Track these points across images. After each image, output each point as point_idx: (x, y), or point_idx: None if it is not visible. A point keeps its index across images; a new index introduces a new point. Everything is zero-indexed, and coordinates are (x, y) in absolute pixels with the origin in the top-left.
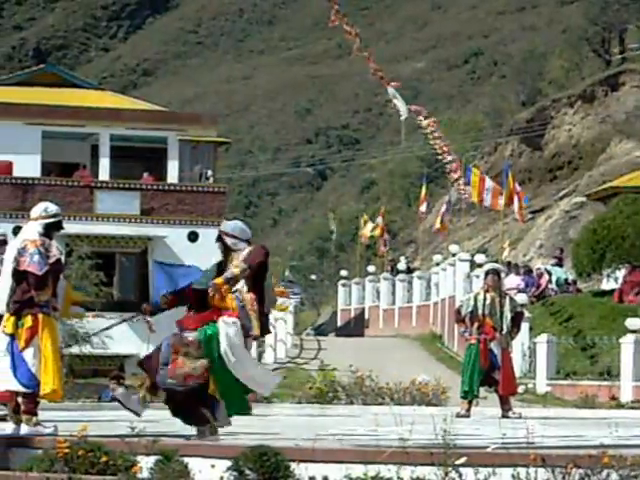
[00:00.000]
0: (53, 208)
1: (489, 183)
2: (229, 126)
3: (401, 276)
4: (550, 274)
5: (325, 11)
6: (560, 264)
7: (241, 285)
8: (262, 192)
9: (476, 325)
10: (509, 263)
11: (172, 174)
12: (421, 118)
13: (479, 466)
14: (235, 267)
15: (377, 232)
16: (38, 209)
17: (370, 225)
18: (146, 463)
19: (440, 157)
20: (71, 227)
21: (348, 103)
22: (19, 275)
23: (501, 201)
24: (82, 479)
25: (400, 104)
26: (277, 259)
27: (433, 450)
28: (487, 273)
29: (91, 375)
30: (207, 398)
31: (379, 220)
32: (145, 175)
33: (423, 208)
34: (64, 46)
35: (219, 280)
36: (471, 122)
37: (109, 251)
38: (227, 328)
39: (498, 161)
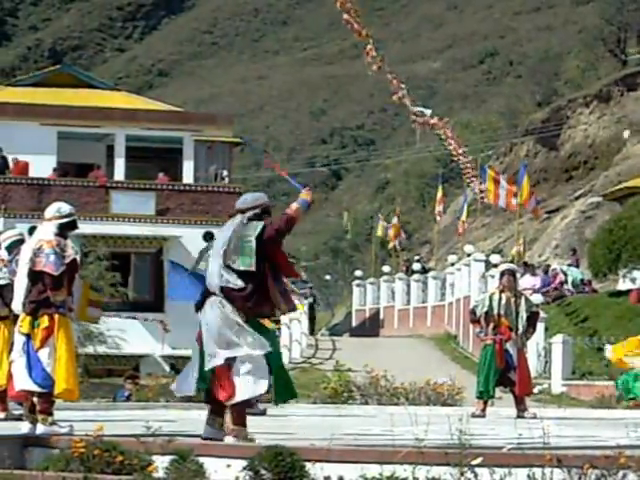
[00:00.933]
0: (66, 208)
1: (504, 183)
2: (244, 126)
3: (416, 276)
4: (566, 274)
5: (339, 11)
6: (576, 265)
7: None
8: (277, 192)
9: (492, 325)
10: (525, 263)
11: (187, 174)
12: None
13: (495, 466)
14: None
15: (392, 232)
16: (52, 209)
17: (383, 224)
18: (162, 463)
19: (455, 158)
20: (86, 227)
21: (363, 103)
22: (35, 275)
23: (515, 201)
24: (98, 479)
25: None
26: (291, 259)
27: (448, 450)
28: (502, 273)
29: (106, 375)
30: None
31: (395, 220)
32: (160, 175)
33: (440, 208)
34: (79, 47)
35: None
36: (486, 122)
37: (124, 251)
38: None
39: (514, 161)
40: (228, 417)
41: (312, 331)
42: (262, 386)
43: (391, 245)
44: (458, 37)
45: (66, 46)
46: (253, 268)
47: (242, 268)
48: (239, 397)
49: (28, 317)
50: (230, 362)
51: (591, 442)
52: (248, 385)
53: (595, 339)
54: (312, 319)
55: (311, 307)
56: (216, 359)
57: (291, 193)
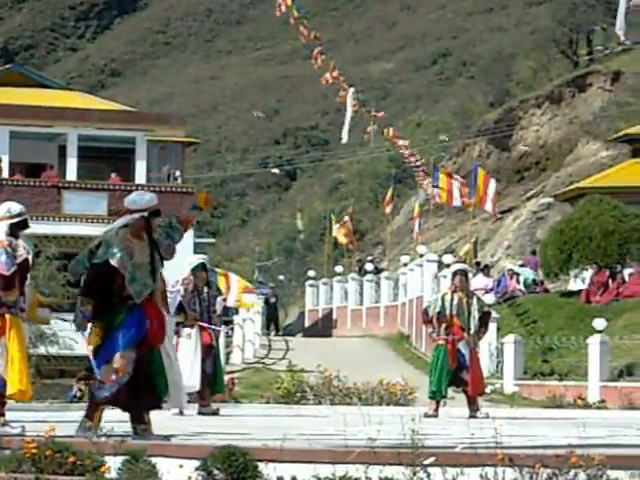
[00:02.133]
0: (17, 207)
1: (457, 182)
2: (197, 126)
3: (369, 276)
4: (517, 275)
5: (293, 11)
6: (535, 266)
7: None
8: (230, 192)
9: (444, 325)
10: (477, 263)
11: (140, 174)
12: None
13: (447, 466)
14: None
15: (343, 231)
16: (2, 210)
17: (337, 226)
18: (114, 463)
19: (407, 159)
20: (38, 228)
21: (316, 104)
22: None
23: (469, 200)
24: (50, 479)
25: (346, 126)
26: (245, 259)
27: (401, 450)
28: (455, 273)
29: (58, 376)
30: None
31: (347, 220)
32: (113, 175)
33: (389, 209)
34: (32, 46)
35: None
36: (440, 122)
37: (77, 252)
38: None
39: (466, 162)
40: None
41: (277, 330)
42: None
43: (344, 243)
44: (411, 38)
45: (18, 45)
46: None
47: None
48: None
49: None
50: None
51: (542, 442)
52: None
53: (547, 339)
54: (275, 318)
55: (274, 307)
56: None
57: (244, 194)
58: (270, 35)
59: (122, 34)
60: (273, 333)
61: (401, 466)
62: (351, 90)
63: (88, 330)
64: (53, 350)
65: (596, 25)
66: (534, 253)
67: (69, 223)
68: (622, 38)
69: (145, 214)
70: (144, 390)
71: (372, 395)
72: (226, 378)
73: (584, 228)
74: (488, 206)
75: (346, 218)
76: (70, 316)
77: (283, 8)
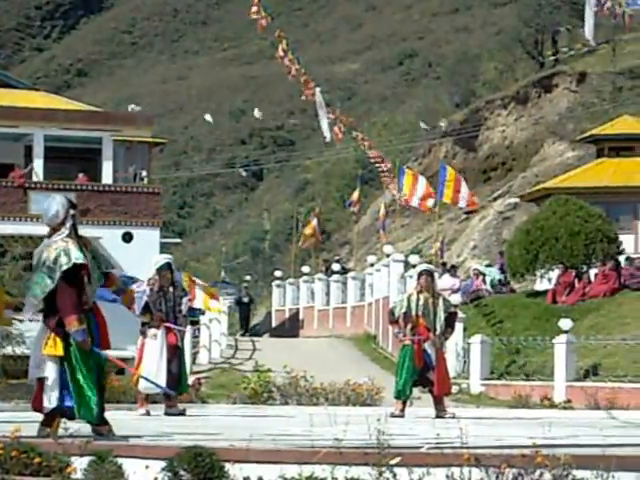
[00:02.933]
0: None
1: (421, 185)
2: (164, 127)
3: (335, 277)
4: (484, 275)
5: (259, 11)
6: (501, 267)
7: None
8: (197, 193)
9: (410, 326)
10: (444, 264)
11: (107, 175)
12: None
13: (413, 466)
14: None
15: (308, 231)
16: None
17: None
18: (80, 464)
19: (373, 160)
20: (5, 228)
21: (283, 104)
22: None
23: (430, 203)
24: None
25: (324, 126)
26: (211, 259)
27: (367, 450)
28: (420, 274)
29: (24, 376)
30: None
31: (313, 220)
32: (80, 176)
33: (356, 209)
34: None
35: None
36: (406, 123)
37: None
38: None
39: (432, 162)
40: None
41: (246, 330)
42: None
43: (305, 245)
44: (377, 38)
45: None
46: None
47: None
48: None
49: None
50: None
51: (509, 441)
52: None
53: (513, 339)
54: (247, 319)
55: (247, 306)
56: (31, 373)
57: (211, 194)
58: (236, 35)
59: (88, 34)
60: (240, 333)
61: (367, 466)
62: (318, 90)
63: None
64: (19, 350)
65: (561, 26)
66: (502, 254)
67: (35, 223)
68: (592, 42)
69: (74, 219)
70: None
71: (339, 395)
72: (192, 378)
73: (550, 228)
74: (462, 203)
75: (314, 220)
76: (38, 317)
77: (254, 9)
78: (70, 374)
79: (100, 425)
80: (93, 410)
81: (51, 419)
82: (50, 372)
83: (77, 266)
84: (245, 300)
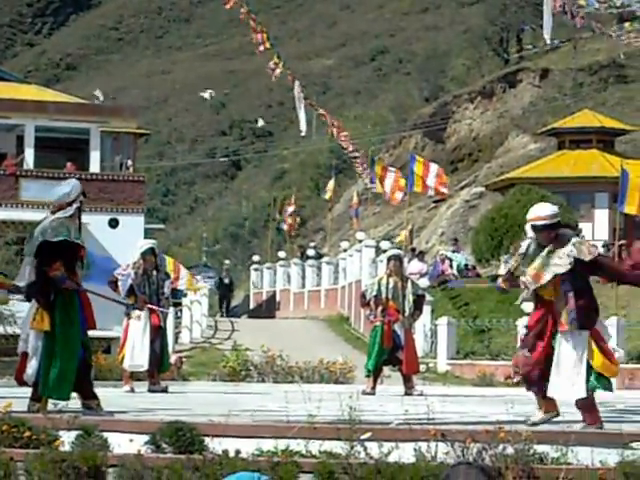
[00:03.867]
0: None
1: (391, 176)
2: (148, 118)
3: (310, 261)
4: (451, 260)
5: (239, 10)
6: (457, 251)
7: None
8: (179, 181)
9: (380, 308)
10: (413, 249)
11: (94, 164)
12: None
13: (383, 441)
14: None
15: (287, 219)
16: None
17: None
18: (68, 438)
19: (347, 151)
20: None
21: (261, 97)
22: None
23: (399, 195)
24: (6, 452)
25: (302, 119)
26: (192, 244)
27: (340, 426)
28: (389, 259)
29: (15, 354)
30: None
31: (290, 209)
32: (68, 164)
33: (330, 197)
34: None
35: None
36: (378, 116)
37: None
38: None
39: (402, 154)
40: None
41: (227, 311)
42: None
43: (285, 228)
44: (350, 36)
45: None
46: None
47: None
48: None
49: None
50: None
51: (473, 418)
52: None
53: (478, 321)
54: (227, 299)
55: (229, 288)
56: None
57: (192, 182)
58: (217, 32)
59: (77, 30)
60: (219, 315)
61: (340, 441)
62: (297, 83)
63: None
64: (11, 330)
65: (526, 25)
66: (456, 241)
67: (26, 209)
68: (548, 41)
69: (81, 204)
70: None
71: (313, 374)
72: (174, 357)
73: (514, 216)
74: (431, 192)
75: (290, 208)
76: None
77: (232, 2)
78: (50, 349)
79: (89, 399)
80: (66, 388)
81: (87, 395)
82: (33, 345)
83: (73, 245)
84: (226, 281)
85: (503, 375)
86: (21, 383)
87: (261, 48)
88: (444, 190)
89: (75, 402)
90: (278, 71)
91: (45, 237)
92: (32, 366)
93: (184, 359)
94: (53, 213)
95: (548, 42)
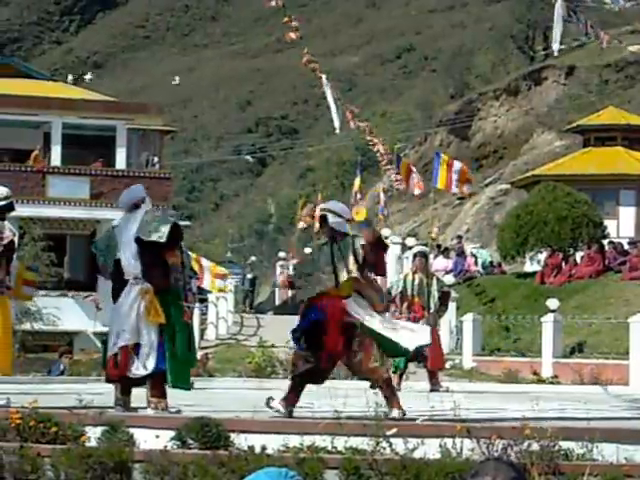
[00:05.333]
0: (3, 191)
1: (414, 173)
2: (175, 115)
3: None
4: (476, 257)
5: (265, 8)
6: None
7: None
8: (205, 178)
9: (405, 304)
10: (439, 246)
11: (120, 161)
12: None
13: (409, 437)
14: None
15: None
16: None
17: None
18: (94, 433)
19: (373, 148)
20: (24, 210)
21: (287, 95)
22: None
23: (423, 192)
24: (33, 448)
25: (334, 114)
26: (218, 241)
27: (365, 422)
28: (415, 256)
29: (41, 350)
30: None
31: (316, 206)
32: (95, 162)
33: (358, 195)
34: (18, 39)
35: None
36: (404, 114)
37: (60, 233)
38: None
39: (428, 151)
40: (147, 390)
41: (250, 307)
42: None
43: (302, 226)
44: (376, 33)
45: (5, 38)
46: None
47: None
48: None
49: None
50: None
51: (499, 414)
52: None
53: (503, 318)
54: (251, 295)
55: (252, 283)
56: (121, 340)
57: (218, 179)
58: (243, 30)
59: (104, 28)
60: (243, 309)
61: (365, 437)
62: (324, 76)
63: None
64: (37, 326)
65: (552, 22)
66: (460, 238)
67: (53, 206)
68: (556, 53)
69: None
70: None
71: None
72: (200, 353)
73: (539, 213)
74: (454, 189)
75: (317, 208)
76: (55, 293)
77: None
78: (171, 340)
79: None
80: (188, 377)
81: (128, 387)
82: (149, 338)
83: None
84: (249, 276)
85: (528, 371)
86: (117, 379)
87: (293, 36)
88: (466, 189)
89: (101, 398)
90: (314, 66)
91: (167, 223)
92: (150, 361)
93: (210, 356)
94: (129, 211)
95: (555, 53)
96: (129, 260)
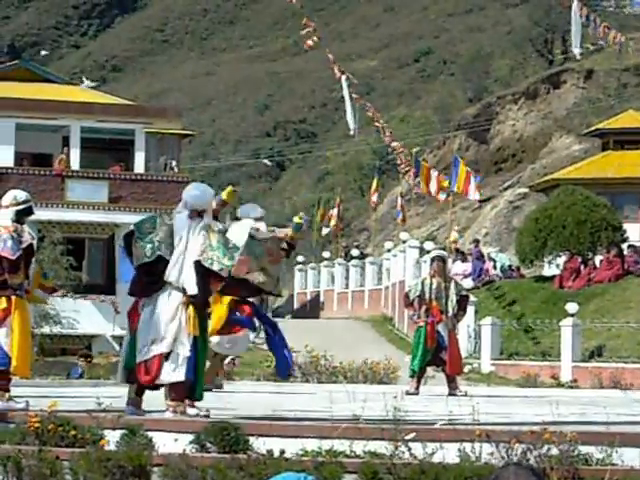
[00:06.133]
0: (22, 195)
1: (434, 176)
2: (193, 119)
3: (354, 262)
4: (495, 261)
5: (283, 12)
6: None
7: None
8: (223, 182)
9: (424, 308)
10: (457, 250)
11: (139, 164)
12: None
13: (427, 441)
14: None
15: (332, 221)
16: (8, 197)
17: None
18: (113, 437)
19: (392, 151)
20: (43, 214)
21: (305, 99)
22: None
23: (442, 195)
24: (52, 451)
25: (350, 118)
26: None
27: (384, 426)
28: (433, 259)
29: (60, 354)
30: None
31: (334, 209)
32: (114, 165)
33: (374, 198)
34: (37, 43)
35: None
36: (422, 117)
37: (79, 237)
38: None
39: (446, 154)
40: (166, 394)
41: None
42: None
43: (326, 231)
44: (394, 37)
45: (24, 42)
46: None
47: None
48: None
49: None
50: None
51: (518, 419)
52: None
53: (522, 321)
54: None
55: None
56: (158, 347)
57: (236, 183)
58: (261, 34)
59: (122, 32)
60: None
61: (384, 441)
62: (343, 78)
63: None
64: (56, 329)
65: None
66: (477, 242)
67: (72, 210)
68: (578, 57)
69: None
70: None
71: (357, 374)
72: (228, 359)
73: (558, 217)
74: (471, 195)
75: (334, 209)
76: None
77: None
78: (201, 353)
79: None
80: (201, 389)
81: (144, 389)
82: (183, 348)
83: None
84: None
85: (547, 375)
86: (148, 386)
87: (310, 43)
88: (477, 197)
89: (119, 401)
90: (335, 69)
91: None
92: (181, 369)
93: (237, 361)
94: (192, 217)
95: (578, 55)
96: (188, 275)
